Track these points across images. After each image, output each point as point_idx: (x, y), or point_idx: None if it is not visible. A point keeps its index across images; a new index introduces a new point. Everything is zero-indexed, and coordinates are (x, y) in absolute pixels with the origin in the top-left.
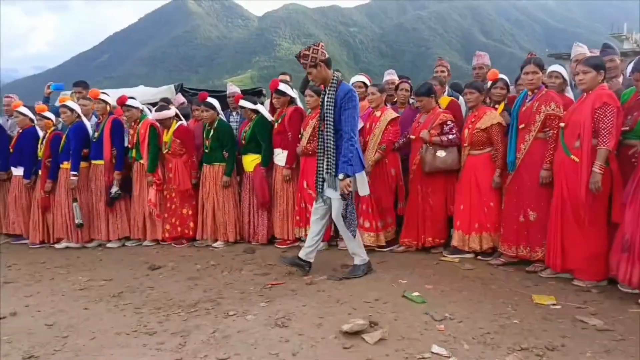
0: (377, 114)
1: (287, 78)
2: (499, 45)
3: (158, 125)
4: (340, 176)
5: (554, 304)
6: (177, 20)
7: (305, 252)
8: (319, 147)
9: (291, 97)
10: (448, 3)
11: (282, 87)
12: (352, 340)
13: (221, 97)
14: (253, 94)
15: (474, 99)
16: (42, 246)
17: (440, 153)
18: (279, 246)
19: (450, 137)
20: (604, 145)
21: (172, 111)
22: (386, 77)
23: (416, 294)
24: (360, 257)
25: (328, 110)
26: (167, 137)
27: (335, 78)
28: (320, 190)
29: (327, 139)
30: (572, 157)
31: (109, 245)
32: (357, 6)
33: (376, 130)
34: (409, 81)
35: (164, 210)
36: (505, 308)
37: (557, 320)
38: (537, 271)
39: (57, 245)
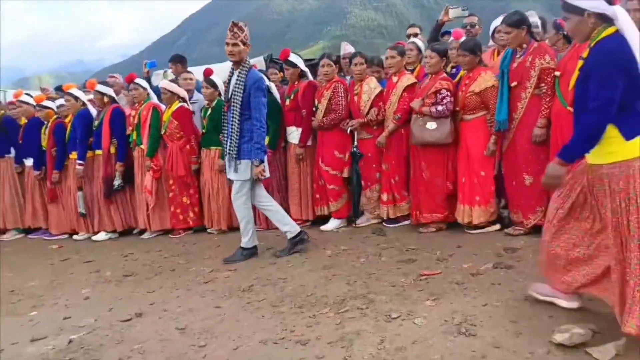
0: (394, 79)
1: (417, 31)
2: None
3: (162, 108)
4: (256, 162)
5: None
6: None
7: (245, 240)
8: (223, 129)
9: (302, 70)
10: None
11: (293, 57)
12: (574, 356)
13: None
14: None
15: (467, 62)
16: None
17: (430, 125)
18: None
19: (440, 108)
20: None
21: (182, 90)
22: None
23: None
24: (246, 240)
25: (236, 93)
26: (165, 116)
27: (247, 62)
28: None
29: (232, 121)
30: (569, 108)
31: (95, 237)
32: None
33: (392, 97)
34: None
35: (167, 197)
36: None
37: None
38: (516, 234)
39: (75, 237)
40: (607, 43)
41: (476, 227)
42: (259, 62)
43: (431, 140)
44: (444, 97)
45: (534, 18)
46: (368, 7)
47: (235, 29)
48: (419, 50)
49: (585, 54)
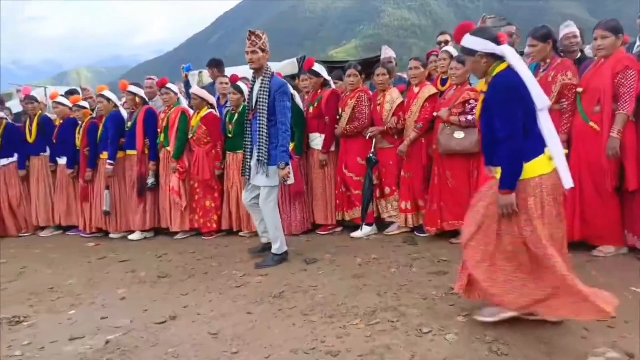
0: (415, 90)
1: (448, 38)
2: None
3: (190, 112)
4: (282, 165)
5: None
6: None
7: (276, 246)
8: (246, 135)
9: (325, 79)
10: None
11: (316, 67)
12: None
13: (340, 67)
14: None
15: None
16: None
17: (458, 134)
18: (320, 232)
19: (470, 117)
20: (623, 110)
21: (211, 97)
22: (564, 31)
23: None
24: (277, 246)
25: (261, 100)
26: (194, 120)
27: (269, 69)
28: (248, 177)
29: (259, 128)
30: (591, 124)
31: (130, 237)
32: None
33: (413, 107)
34: None
35: (191, 200)
36: None
37: None
38: None
39: (111, 235)
40: (501, 77)
41: None
42: (291, 63)
43: (459, 149)
44: (473, 107)
45: (572, 28)
46: (401, 6)
47: (253, 37)
48: (452, 58)
49: (485, 89)
